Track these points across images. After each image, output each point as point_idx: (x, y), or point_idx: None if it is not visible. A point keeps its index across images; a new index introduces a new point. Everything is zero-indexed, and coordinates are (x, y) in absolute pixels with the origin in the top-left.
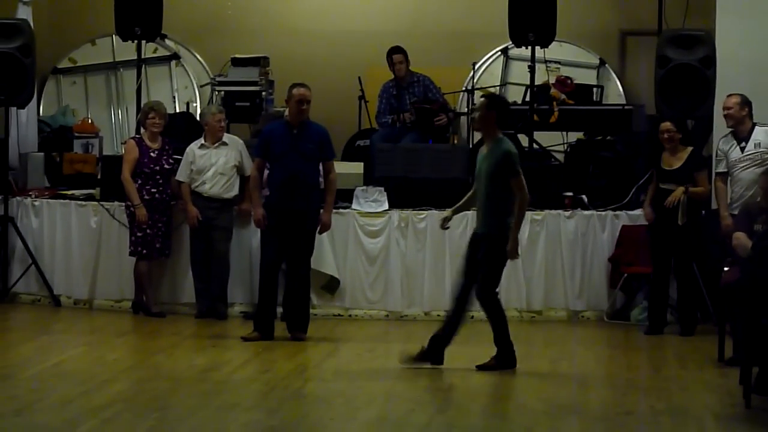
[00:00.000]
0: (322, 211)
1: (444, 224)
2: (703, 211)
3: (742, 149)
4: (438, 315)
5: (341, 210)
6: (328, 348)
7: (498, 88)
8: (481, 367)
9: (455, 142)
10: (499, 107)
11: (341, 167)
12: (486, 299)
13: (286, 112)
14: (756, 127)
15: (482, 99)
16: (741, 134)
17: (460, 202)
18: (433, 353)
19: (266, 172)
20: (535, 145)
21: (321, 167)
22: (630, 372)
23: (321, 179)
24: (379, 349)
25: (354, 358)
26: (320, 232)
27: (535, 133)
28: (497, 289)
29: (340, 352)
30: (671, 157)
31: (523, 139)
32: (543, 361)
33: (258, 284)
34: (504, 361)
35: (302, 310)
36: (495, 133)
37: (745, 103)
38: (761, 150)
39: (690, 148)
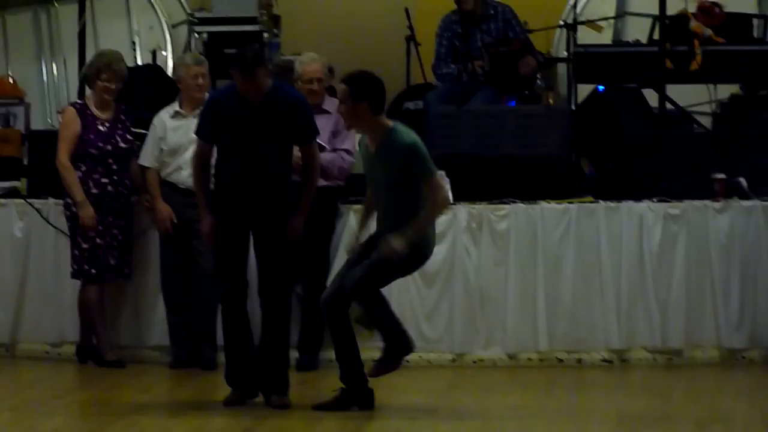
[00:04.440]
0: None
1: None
2: None
3: None
4: (528, 359)
5: None
6: (365, 411)
7: (611, 21)
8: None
9: (550, 101)
10: (368, 93)
11: None
12: (359, 292)
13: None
14: None
15: (341, 86)
16: None
17: (361, 216)
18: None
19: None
20: (668, 105)
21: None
22: None
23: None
24: (443, 409)
25: (406, 425)
26: (289, 239)
27: (668, 86)
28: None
29: (386, 415)
30: None
31: (652, 96)
32: (685, 425)
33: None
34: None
35: (275, 360)
36: (378, 125)
37: None
38: None
39: None
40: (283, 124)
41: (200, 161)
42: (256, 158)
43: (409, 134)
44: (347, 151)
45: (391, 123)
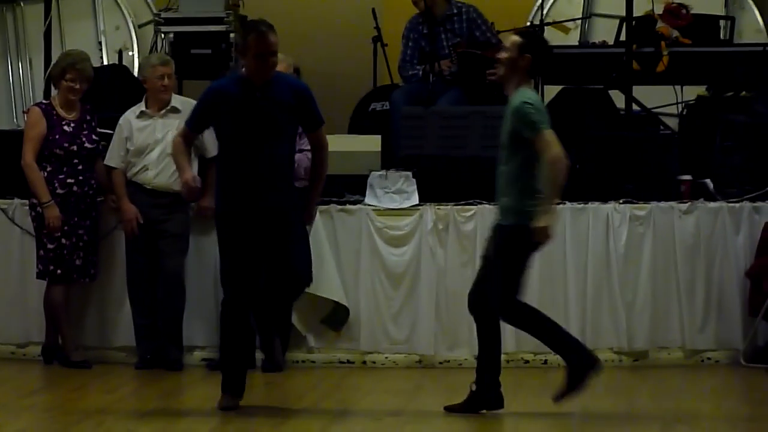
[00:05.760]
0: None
1: None
2: None
3: None
4: None
5: (349, 206)
6: (332, 409)
7: (578, 22)
8: (557, 398)
9: None
10: (535, 50)
11: (348, 143)
12: (507, 312)
13: None
14: None
15: (514, 37)
16: None
17: None
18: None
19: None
20: (635, 106)
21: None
22: None
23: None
24: (409, 410)
25: (371, 426)
26: (307, 223)
27: (635, 88)
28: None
29: (351, 416)
30: None
31: (618, 98)
32: (651, 426)
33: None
34: (578, 374)
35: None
36: (521, 82)
37: None
38: None
39: None
40: (290, 111)
41: (180, 140)
42: (263, 153)
43: (522, 95)
44: None
45: (524, 87)
